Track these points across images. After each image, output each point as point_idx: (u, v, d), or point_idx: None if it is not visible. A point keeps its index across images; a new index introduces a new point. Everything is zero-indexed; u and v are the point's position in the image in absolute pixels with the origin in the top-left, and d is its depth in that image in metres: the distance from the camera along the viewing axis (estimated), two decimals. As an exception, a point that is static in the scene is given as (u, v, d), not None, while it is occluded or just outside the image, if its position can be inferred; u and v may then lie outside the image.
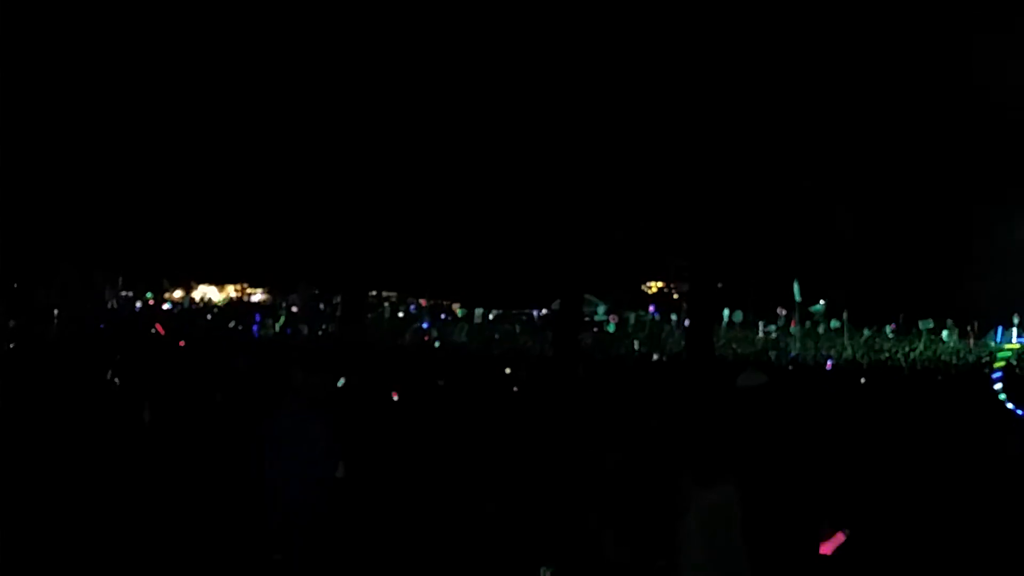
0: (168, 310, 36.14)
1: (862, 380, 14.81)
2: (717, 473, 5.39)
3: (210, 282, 43.62)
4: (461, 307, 34.98)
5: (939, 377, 16.60)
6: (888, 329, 31.74)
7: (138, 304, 35.17)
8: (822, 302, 30.69)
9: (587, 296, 28.69)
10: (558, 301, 25.64)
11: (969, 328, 31.07)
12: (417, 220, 29.70)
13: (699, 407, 9.45)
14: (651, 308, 34.86)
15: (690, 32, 20.61)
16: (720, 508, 5.34)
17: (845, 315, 30.83)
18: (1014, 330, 27.79)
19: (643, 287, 43.91)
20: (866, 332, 31.28)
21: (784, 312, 31.44)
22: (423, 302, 37.06)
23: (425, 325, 32.75)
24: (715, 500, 5.33)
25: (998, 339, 26.29)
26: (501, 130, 23.98)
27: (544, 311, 34.18)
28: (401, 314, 35.69)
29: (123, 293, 35.51)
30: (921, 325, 29.61)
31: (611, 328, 31.77)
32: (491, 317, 34.53)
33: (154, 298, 36.34)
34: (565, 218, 23.23)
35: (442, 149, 25.64)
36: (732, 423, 7.31)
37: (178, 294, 40.26)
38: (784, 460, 6.80)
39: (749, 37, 20.42)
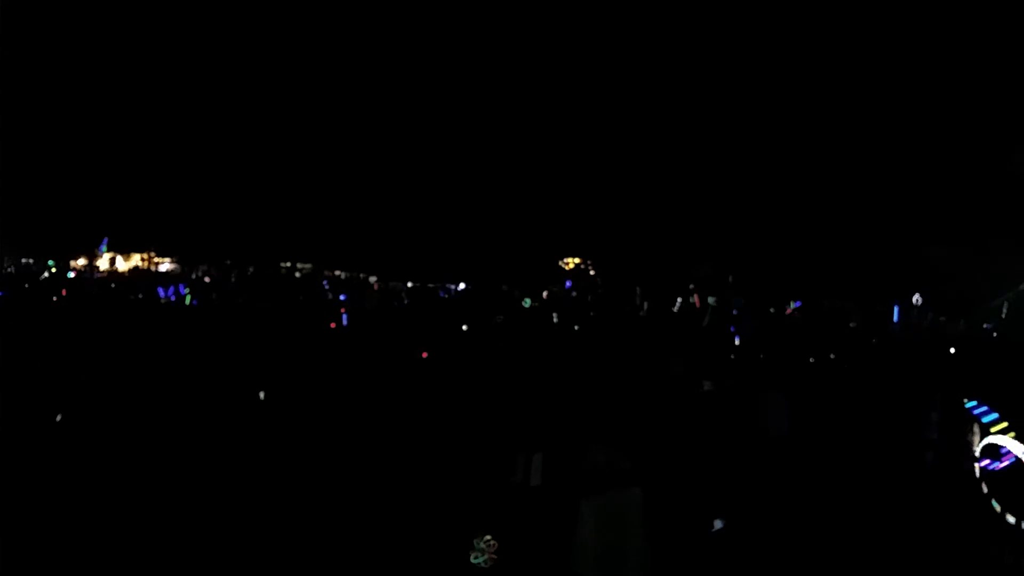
0: (72, 279, 34.80)
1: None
2: (627, 475, 5.38)
3: (115, 251, 42.13)
4: (377, 280, 34.63)
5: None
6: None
7: (46, 273, 33.83)
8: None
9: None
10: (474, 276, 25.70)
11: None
12: (335, 190, 29.30)
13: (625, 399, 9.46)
14: (567, 284, 35.13)
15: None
16: (624, 506, 5.31)
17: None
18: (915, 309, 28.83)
19: (560, 263, 44.18)
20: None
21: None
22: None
23: (342, 297, 32.32)
24: (619, 500, 5.31)
25: (896, 318, 27.30)
26: (420, 106, 23.84)
27: (462, 285, 34.13)
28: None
29: (23, 260, 34.15)
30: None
31: (527, 303, 31.88)
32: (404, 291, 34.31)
33: (56, 266, 34.97)
34: (484, 193, 23.24)
35: (360, 120, 25.33)
36: (660, 416, 7.38)
37: (82, 262, 38.80)
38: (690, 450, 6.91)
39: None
